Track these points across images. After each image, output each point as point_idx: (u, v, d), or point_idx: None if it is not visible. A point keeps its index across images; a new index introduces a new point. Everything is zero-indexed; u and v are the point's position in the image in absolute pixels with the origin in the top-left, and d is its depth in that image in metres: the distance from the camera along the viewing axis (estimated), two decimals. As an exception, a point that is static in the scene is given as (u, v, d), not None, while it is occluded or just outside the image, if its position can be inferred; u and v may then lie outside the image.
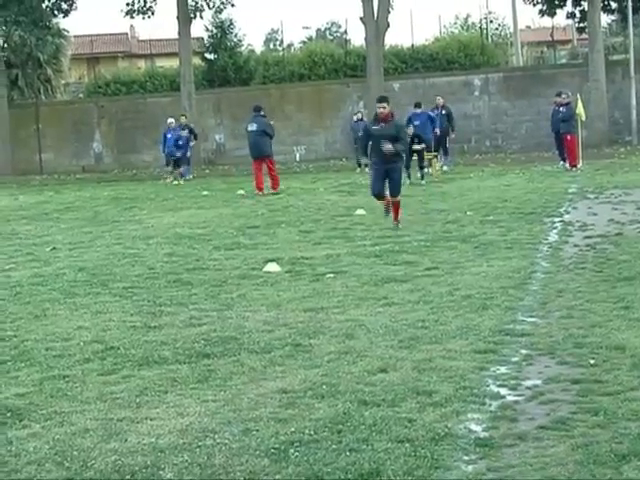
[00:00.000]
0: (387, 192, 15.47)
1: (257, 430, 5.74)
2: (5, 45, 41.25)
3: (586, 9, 36.50)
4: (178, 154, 30.25)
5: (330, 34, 76.02)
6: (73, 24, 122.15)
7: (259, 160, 23.98)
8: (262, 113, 24.69)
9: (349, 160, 31.63)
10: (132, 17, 38.91)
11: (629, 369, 6.69)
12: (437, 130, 27.82)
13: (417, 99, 29.15)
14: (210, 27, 42.94)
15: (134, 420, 6.06)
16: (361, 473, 5.03)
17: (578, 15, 38.38)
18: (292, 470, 5.13)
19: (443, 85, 36.58)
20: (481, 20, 49.22)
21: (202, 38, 43.83)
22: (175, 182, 29.19)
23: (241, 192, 23.73)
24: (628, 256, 11.44)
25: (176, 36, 38.30)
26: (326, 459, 5.23)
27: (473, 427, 5.67)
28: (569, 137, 25.96)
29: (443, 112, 29.06)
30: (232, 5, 39.72)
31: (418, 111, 27.95)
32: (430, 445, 5.36)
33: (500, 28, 59.48)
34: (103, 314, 9.54)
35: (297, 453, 5.34)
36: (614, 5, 38.23)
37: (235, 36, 43.43)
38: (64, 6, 39.31)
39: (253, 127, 24.07)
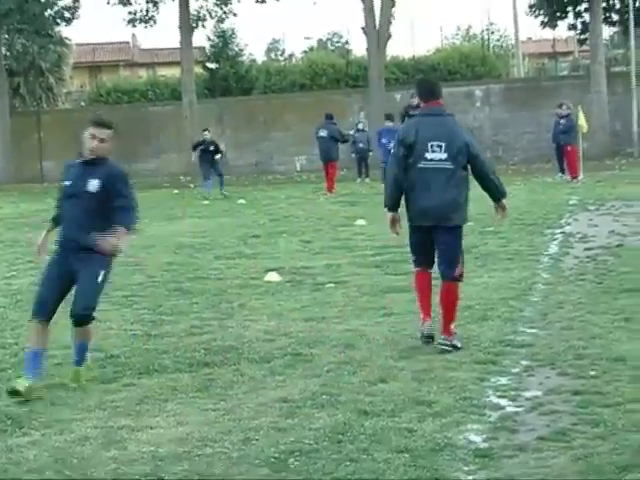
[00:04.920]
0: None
1: (257, 439, 5.74)
2: (7, 53, 41.37)
3: (588, 21, 36.60)
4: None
5: (332, 44, 75.99)
6: (75, 32, 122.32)
7: (328, 163, 26.06)
8: (333, 121, 26.71)
9: (349, 170, 31.63)
10: (134, 26, 39.11)
11: (630, 380, 6.68)
12: None
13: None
14: (212, 36, 43.14)
15: (134, 428, 6.05)
16: (361, 483, 5.03)
17: (580, 27, 38.50)
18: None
19: (444, 96, 36.50)
20: (483, 31, 49.50)
21: (204, 47, 43.99)
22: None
23: (242, 201, 23.79)
24: (629, 268, 11.42)
25: (178, 45, 38.41)
26: (326, 469, 5.23)
27: (473, 438, 5.66)
28: (569, 148, 25.98)
29: None
30: (234, 15, 39.87)
31: (390, 124, 24.26)
32: (430, 455, 5.35)
33: (502, 39, 59.68)
34: (103, 322, 9.52)
35: (297, 463, 5.34)
36: (616, 17, 38.35)
37: (237, 46, 43.68)
38: (66, 15, 39.48)
39: (324, 133, 26.12)
